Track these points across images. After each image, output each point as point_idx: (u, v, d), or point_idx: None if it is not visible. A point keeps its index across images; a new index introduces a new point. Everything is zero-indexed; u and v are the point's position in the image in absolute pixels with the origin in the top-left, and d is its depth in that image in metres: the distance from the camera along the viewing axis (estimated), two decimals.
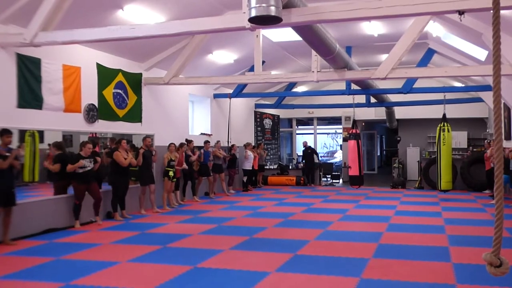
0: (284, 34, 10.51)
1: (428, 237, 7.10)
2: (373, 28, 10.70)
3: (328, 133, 27.36)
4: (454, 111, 15.35)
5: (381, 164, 25.94)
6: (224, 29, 6.11)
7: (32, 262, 5.72)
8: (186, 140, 11.61)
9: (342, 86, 13.82)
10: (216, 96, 14.10)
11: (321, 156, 21.35)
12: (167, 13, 8.19)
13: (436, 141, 12.03)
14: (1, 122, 6.91)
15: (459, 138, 17.52)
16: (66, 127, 8.36)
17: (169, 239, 6.97)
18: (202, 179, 12.30)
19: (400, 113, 17.90)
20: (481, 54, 10.19)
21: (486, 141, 13.48)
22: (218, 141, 13.01)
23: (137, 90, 10.32)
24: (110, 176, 9.02)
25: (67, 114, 8.28)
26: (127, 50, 9.54)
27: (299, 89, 17.47)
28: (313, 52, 8.96)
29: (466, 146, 17.40)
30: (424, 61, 12.12)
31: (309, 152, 16.36)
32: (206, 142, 12.50)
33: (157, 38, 7.13)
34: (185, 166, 10.94)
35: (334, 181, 17.70)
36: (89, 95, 8.86)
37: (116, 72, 9.64)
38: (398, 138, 18.71)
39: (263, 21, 5.21)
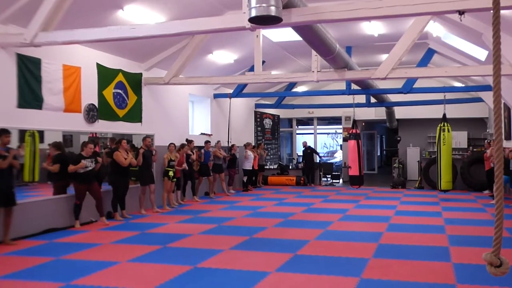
0: (284, 34, 10.51)
1: (428, 237, 7.10)
2: (373, 28, 10.71)
3: (328, 133, 27.35)
4: (454, 111, 15.35)
5: (381, 164, 25.94)
6: (224, 29, 6.11)
7: (32, 262, 5.72)
8: (187, 140, 11.61)
9: (342, 86, 13.82)
10: (216, 96, 14.10)
11: (321, 156, 21.35)
12: (167, 13, 8.19)
13: (436, 141, 12.03)
14: (1, 122, 6.91)
15: (459, 138, 17.52)
16: (66, 127, 8.36)
17: (169, 239, 6.97)
18: (202, 179, 12.31)
19: (400, 113, 17.90)
20: (481, 54, 10.19)
21: (486, 141, 13.48)
22: (218, 141, 13.01)
23: (137, 90, 10.32)
24: (110, 176, 9.02)
25: (67, 114, 8.28)
26: (127, 50, 9.54)
27: (299, 89, 17.47)
28: (313, 52, 8.96)
29: (466, 146, 17.40)
30: (424, 61, 12.12)
31: (309, 152, 16.36)
32: (207, 142, 12.50)
33: (157, 38, 7.13)
34: (185, 166, 10.94)
35: (334, 181, 17.69)
36: (89, 95, 8.86)
37: (116, 72, 9.64)
38: (398, 138, 18.71)
39: (263, 21, 5.21)
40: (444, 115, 12.05)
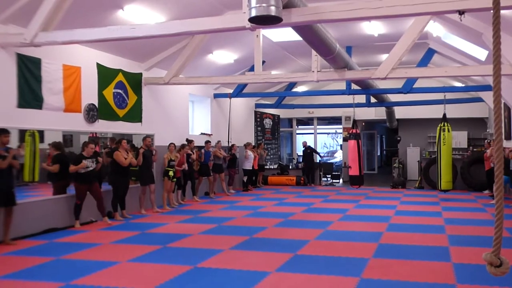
0: (284, 34, 10.51)
1: (428, 237, 7.10)
2: (373, 28, 10.70)
3: (328, 133, 27.36)
4: (454, 111, 15.35)
5: (381, 164, 25.94)
6: (224, 29, 6.11)
7: (32, 262, 5.72)
8: (187, 140, 11.62)
9: (342, 86, 13.81)
10: (216, 96, 14.10)
11: (321, 156, 21.34)
12: (167, 13, 8.19)
13: (436, 141, 12.03)
14: (1, 122, 6.91)
15: (459, 138, 17.52)
16: (66, 127, 8.36)
17: (169, 239, 6.97)
18: (202, 179, 12.31)
19: (400, 113, 17.90)
20: (481, 54, 10.19)
21: (486, 141, 13.48)
22: (218, 141, 13.01)
23: (137, 90, 10.32)
24: (110, 176, 9.02)
25: (67, 114, 8.28)
26: (127, 50, 9.54)
27: (299, 89, 17.47)
28: (313, 52, 8.96)
29: (466, 146, 17.41)
30: (424, 61, 12.12)
31: (309, 152, 16.37)
32: (207, 142, 12.51)
33: (157, 38, 7.13)
34: (185, 167, 10.93)
35: (334, 181, 17.69)
36: (89, 95, 8.86)
37: (116, 72, 9.64)
38: (398, 138, 18.71)
39: (263, 21, 5.21)
40: (444, 115, 12.05)
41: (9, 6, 6.73)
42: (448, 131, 11.76)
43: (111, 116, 9.44)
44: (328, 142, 28.07)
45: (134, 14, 7.85)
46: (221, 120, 14.34)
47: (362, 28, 10.74)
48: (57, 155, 8.07)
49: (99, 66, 9.15)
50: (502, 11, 3.11)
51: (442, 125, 11.83)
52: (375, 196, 12.93)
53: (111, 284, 4.76)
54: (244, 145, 14.42)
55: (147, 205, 9.95)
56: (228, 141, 13.87)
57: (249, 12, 5.06)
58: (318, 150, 19.50)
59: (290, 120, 21.52)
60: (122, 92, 9.80)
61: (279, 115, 19.84)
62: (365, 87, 12.81)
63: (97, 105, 9.02)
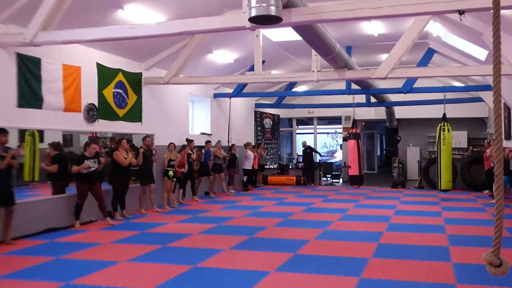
0: (284, 34, 10.51)
1: (428, 237, 7.10)
2: (373, 28, 10.70)
3: (328, 133, 27.37)
4: (454, 111, 15.35)
5: (381, 163, 25.94)
6: (224, 29, 6.10)
7: (32, 261, 5.72)
8: (187, 139, 11.62)
9: (342, 85, 13.81)
10: (216, 95, 14.10)
11: (321, 155, 21.35)
12: (167, 13, 8.19)
13: (436, 140, 12.03)
14: (1, 122, 6.90)
15: (459, 138, 17.53)
16: (66, 127, 8.36)
17: (169, 239, 6.97)
18: (202, 179, 12.32)
19: (400, 112, 17.90)
20: (481, 54, 10.19)
21: (486, 140, 13.48)
22: (219, 141, 13.02)
23: (137, 90, 10.32)
24: (110, 176, 9.02)
25: (67, 114, 8.28)
26: (127, 50, 9.54)
27: (299, 88, 17.47)
28: (313, 52, 8.96)
29: (466, 146, 17.42)
30: (424, 61, 12.12)
31: (309, 151, 16.37)
32: (208, 142, 12.51)
33: (157, 37, 7.13)
34: (184, 170, 10.91)
35: (334, 180, 17.69)
36: (89, 95, 8.86)
37: (116, 71, 9.64)
38: (398, 138, 18.72)
39: (263, 20, 5.21)
40: (444, 114, 12.05)
41: (9, 5, 6.72)
42: (448, 131, 11.76)
43: (111, 115, 9.44)
44: (328, 142, 28.07)
45: (134, 14, 7.85)
46: (221, 120, 14.34)
47: (362, 28, 10.74)
48: (55, 155, 8.07)
49: (99, 66, 9.15)
50: (502, 11, 3.11)
51: (442, 125, 11.83)
52: (375, 196, 12.93)
53: (111, 284, 4.76)
54: (244, 145, 14.42)
55: (147, 205, 9.95)
56: (228, 141, 13.87)
57: (249, 12, 5.06)
58: (318, 150, 19.50)
59: (290, 120, 21.52)
60: (122, 92, 9.80)
61: (279, 115, 19.84)
62: (365, 87, 12.81)
63: (97, 105, 9.02)
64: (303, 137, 20.25)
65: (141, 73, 10.44)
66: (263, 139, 17.73)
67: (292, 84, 15.72)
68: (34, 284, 4.82)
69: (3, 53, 7.05)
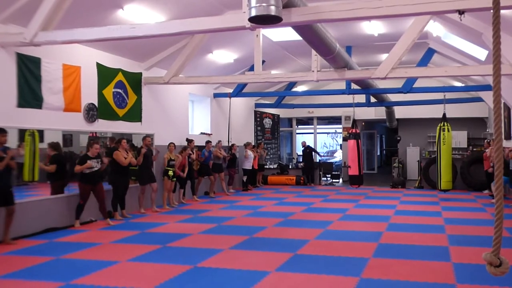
0: (284, 34, 10.51)
1: (428, 236, 7.10)
2: (373, 28, 10.70)
3: (328, 133, 27.36)
4: (454, 111, 15.35)
5: (381, 163, 25.94)
6: (224, 29, 6.10)
7: (32, 261, 5.72)
8: (187, 139, 11.62)
9: (342, 85, 13.81)
10: (216, 95, 14.10)
11: (321, 156, 21.35)
12: (167, 13, 8.19)
13: (436, 140, 12.02)
14: (1, 122, 6.90)
15: (459, 138, 17.53)
16: (66, 127, 8.36)
17: (169, 239, 6.97)
18: (201, 179, 12.32)
19: (400, 112, 17.90)
20: (481, 53, 10.19)
21: (486, 140, 13.48)
22: (219, 141, 13.02)
23: (137, 90, 10.31)
24: (110, 176, 9.01)
25: (67, 114, 8.28)
26: (127, 50, 9.54)
27: (299, 88, 17.46)
28: (313, 52, 8.96)
29: (466, 146, 17.41)
30: (424, 61, 12.12)
31: (308, 151, 16.37)
32: (208, 142, 12.51)
33: (157, 37, 7.13)
34: (183, 175, 10.89)
35: (334, 180, 17.70)
36: (89, 95, 8.86)
37: (116, 71, 9.64)
38: (398, 138, 18.72)
39: (263, 20, 5.21)
40: (444, 114, 12.05)
41: (9, 5, 6.72)
42: (448, 130, 11.76)
43: (111, 115, 9.44)
44: (328, 142, 28.07)
45: (134, 14, 7.85)
46: (221, 119, 14.34)
47: (362, 28, 10.74)
48: (54, 155, 8.06)
49: (99, 66, 9.15)
50: (502, 11, 3.11)
51: (442, 124, 11.82)
52: (375, 196, 12.93)
53: (111, 284, 4.76)
54: (244, 144, 14.42)
55: (147, 205, 9.95)
56: (228, 141, 13.88)
57: (249, 11, 5.06)
58: (318, 149, 19.49)
59: (290, 120, 21.52)
60: (122, 92, 9.80)
61: (279, 115, 19.83)
62: (365, 86, 12.81)
63: (97, 105, 9.01)
64: (303, 137, 20.25)
65: (141, 73, 10.44)
66: (263, 139, 17.73)
67: (292, 84, 15.72)
68: (34, 284, 4.82)
69: (3, 53, 7.05)
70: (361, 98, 14.91)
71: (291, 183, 16.06)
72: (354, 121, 13.15)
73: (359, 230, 7.68)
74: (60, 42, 6.94)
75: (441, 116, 12.11)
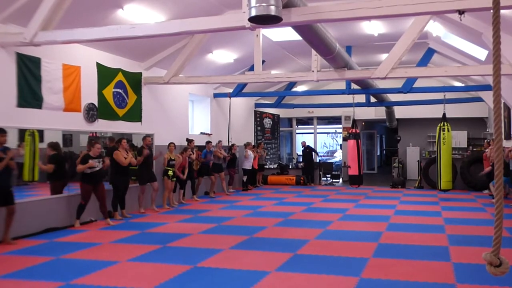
0: (284, 34, 10.50)
1: (428, 236, 7.10)
2: (373, 28, 10.70)
3: (328, 133, 27.36)
4: (454, 111, 15.35)
5: (381, 163, 25.94)
6: (224, 29, 6.10)
7: (32, 261, 5.72)
8: (187, 139, 11.62)
9: (342, 85, 13.81)
10: (216, 95, 14.10)
11: (321, 156, 21.34)
12: (167, 13, 8.19)
13: (436, 140, 12.02)
14: (1, 122, 6.90)
15: (459, 138, 17.53)
16: (66, 127, 8.36)
17: (169, 239, 6.97)
18: (201, 179, 12.32)
19: (400, 112, 17.90)
20: (481, 53, 10.19)
21: (485, 140, 13.48)
22: (219, 141, 13.02)
23: (137, 90, 10.31)
24: (110, 176, 9.01)
25: (67, 114, 8.28)
26: (127, 50, 9.54)
27: (299, 88, 17.46)
28: (313, 52, 8.96)
29: (466, 146, 17.42)
30: (424, 61, 12.11)
31: (308, 151, 16.37)
32: (208, 142, 12.51)
33: (157, 37, 7.14)
34: (183, 177, 10.89)
35: (334, 180, 17.70)
36: (89, 95, 8.86)
37: (116, 71, 9.64)
38: (398, 138, 18.72)
39: (263, 20, 5.21)
40: (444, 114, 12.05)
41: (9, 5, 6.72)
42: (448, 130, 11.76)
43: (110, 115, 9.44)
44: (328, 142, 28.07)
45: (133, 14, 7.85)
46: (221, 119, 14.34)
47: (362, 27, 10.74)
48: (53, 155, 8.06)
49: (99, 66, 9.15)
50: (502, 11, 3.11)
51: (442, 124, 11.82)
52: (375, 195, 12.93)
53: (111, 284, 4.76)
54: (244, 144, 14.42)
55: (147, 204, 9.95)
56: (228, 141, 13.88)
57: (249, 11, 5.06)
58: (318, 149, 19.48)
59: (290, 120, 21.52)
60: (122, 92, 9.80)
61: (279, 115, 19.83)
62: (365, 86, 12.81)
63: (96, 105, 9.01)
64: (303, 137, 20.25)
65: (141, 73, 10.44)
66: (263, 139, 17.73)
67: (292, 84, 15.72)
68: (34, 284, 4.82)
69: (3, 53, 7.05)
70: (361, 98, 14.91)
71: (291, 183, 16.06)
72: (354, 121, 13.16)
73: (359, 230, 7.68)
74: (60, 42, 6.95)
75: (441, 116, 12.11)
